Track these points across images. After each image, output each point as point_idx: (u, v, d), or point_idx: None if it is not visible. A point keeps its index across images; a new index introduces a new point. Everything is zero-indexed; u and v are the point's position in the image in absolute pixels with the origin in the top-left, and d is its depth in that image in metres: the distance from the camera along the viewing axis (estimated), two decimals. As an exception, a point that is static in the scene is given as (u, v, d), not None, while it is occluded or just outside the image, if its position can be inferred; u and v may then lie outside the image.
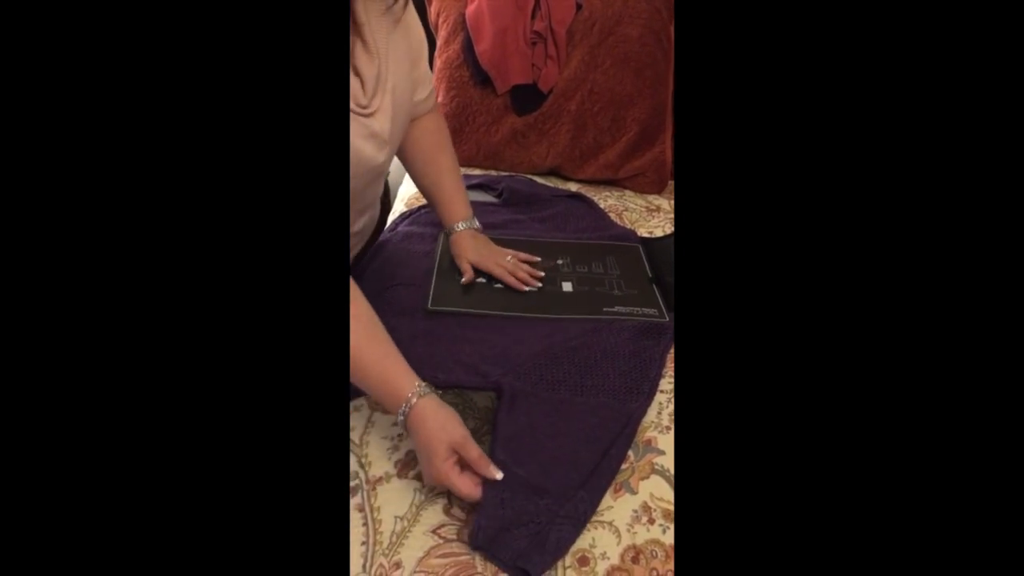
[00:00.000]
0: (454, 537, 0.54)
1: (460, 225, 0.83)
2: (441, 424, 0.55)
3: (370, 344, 0.58)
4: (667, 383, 0.69)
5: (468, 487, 0.54)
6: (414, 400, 0.56)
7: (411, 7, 0.71)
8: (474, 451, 0.55)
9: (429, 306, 0.77)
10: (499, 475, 0.54)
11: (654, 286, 0.85)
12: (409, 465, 0.60)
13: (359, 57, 0.64)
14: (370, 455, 0.61)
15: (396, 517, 0.55)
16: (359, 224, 0.79)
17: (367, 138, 0.66)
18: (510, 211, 1.01)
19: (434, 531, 0.54)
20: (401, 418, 0.57)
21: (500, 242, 0.86)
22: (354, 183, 0.67)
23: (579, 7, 1.10)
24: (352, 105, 0.63)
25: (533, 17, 1.10)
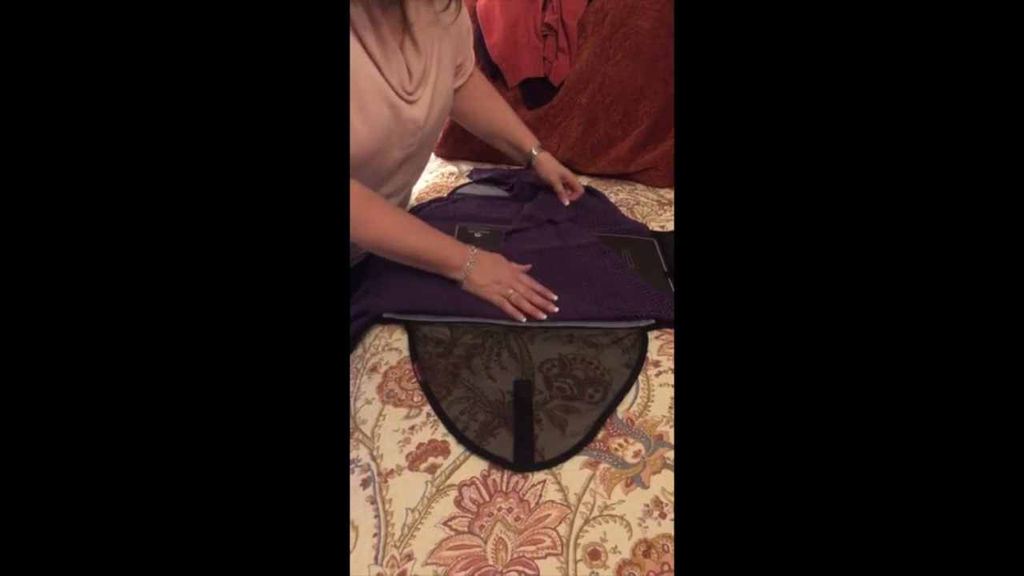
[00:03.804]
0: (465, 529, 0.54)
1: (535, 150, 0.96)
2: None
3: (410, 232, 0.75)
4: (679, 377, 0.69)
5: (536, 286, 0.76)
6: (475, 250, 0.77)
7: (463, 5, 0.81)
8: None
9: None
10: (554, 297, 0.76)
11: (669, 280, 0.85)
12: (420, 458, 0.60)
13: (408, 52, 0.75)
14: (382, 448, 0.61)
15: (407, 509, 0.55)
16: None
17: (402, 122, 0.75)
18: (521, 206, 1.00)
19: (445, 523, 0.54)
20: (470, 264, 0.75)
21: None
22: (384, 164, 0.77)
23: (590, -1, 1.09)
24: (400, 90, 0.74)
25: (544, 10, 1.10)
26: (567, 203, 0.96)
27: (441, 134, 1.20)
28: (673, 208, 1.06)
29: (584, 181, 1.13)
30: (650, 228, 0.98)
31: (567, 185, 0.97)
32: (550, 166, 0.96)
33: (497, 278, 0.76)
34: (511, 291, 0.75)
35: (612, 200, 1.05)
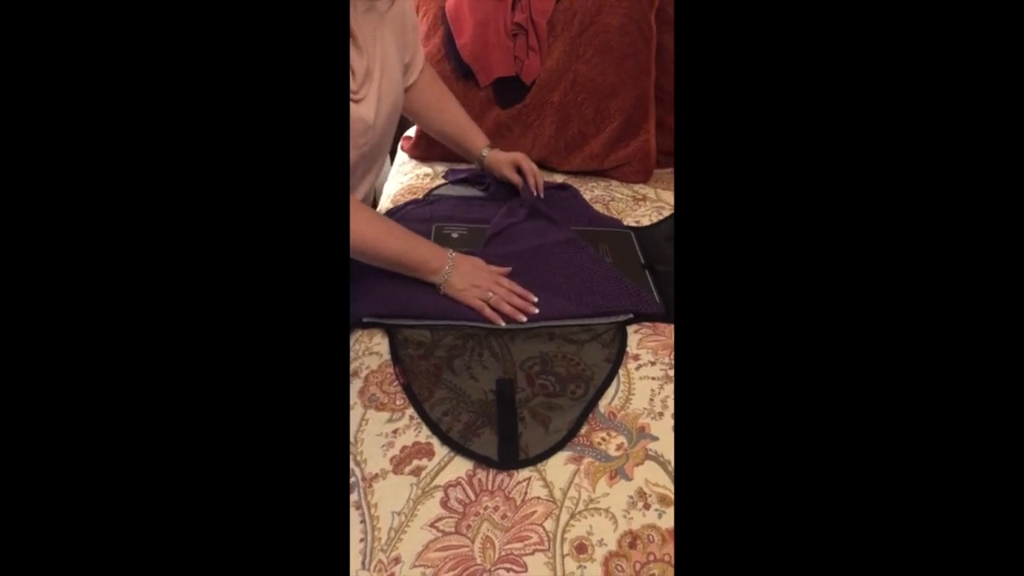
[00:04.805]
0: (452, 530, 0.54)
1: (485, 151, 0.98)
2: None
3: (389, 235, 0.75)
4: (657, 370, 0.70)
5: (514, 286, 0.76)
6: (454, 253, 0.77)
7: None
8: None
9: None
10: (534, 299, 0.76)
11: (647, 272, 0.86)
12: (404, 461, 0.60)
13: (350, 51, 0.73)
14: (365, 452, 0.61)
15: (393, 513, 0.55)
16: None
17: (352, 121, 0.74)
18: (497, 206, 1.01)
19: (431, 525, 0.54)
20: (448, 268, 0.75)
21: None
22: None
23: (559, -3, 1.10)
24: None
25: (513, 9, 1.10)
26: (521, 191, 0.95)
27: (414, 135, 1.20)
28: (647, 203, 1.07)
29: (559, 179, 1.14)
30: (625, 223, 0.99)
31: (522, 172, 0.97)
32: (500, 158, 0.97)
33: (476, 282, 0.76)
34: (490, 295, 0.75)
35: (587, 197, 1.06)
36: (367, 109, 0.76)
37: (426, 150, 1.18)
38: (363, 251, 0.74)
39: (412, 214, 0.97)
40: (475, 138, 0.99)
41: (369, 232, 0.73)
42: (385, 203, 1.08)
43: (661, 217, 1.02)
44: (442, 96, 0.98)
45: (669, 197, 1.09)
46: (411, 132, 1.22)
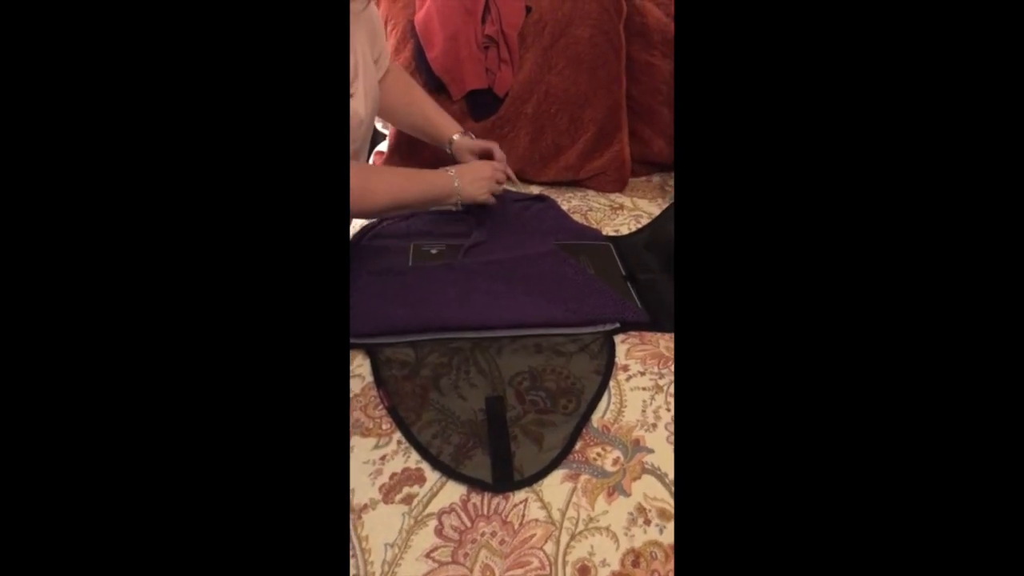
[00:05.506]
0: (448, 559, 0.51)
1: (456, 136, 0.99)
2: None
3: (407, 183, 0.83)
4: (647, 380, 0.69)
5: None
6: (452, 169, 0.86)
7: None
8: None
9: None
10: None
11: (628, 284, 0.85)
12: (395, 489, 0.57)
13: None
14: (352, 482, 0.58)
15: (386, 545, 0.53)
16: None
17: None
18: (474, 219, 0.99)
19: (427, 555, 0.52)
20: (457, 184, 0.85)
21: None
22: None
23: (528, 10, 1.10)
24: None
25: (483, 21, 1.09)
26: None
27: (387, 150, 1.18)
28: (624, 211, 1.07)
29: (536, 190, 1.13)
30: (603, 232, 0.99)
31: (485, 156, 0.98)
32: (464, 147, 0.99)
33: (481, 176, 0.86)
34: (500, 175, 0.88)
35: (565, 207, 1.06)
36: (358, 103, 0.79)
37: (400, 164, 1.16)
38: (392, 205, 0.81)
39: (388, 230, 0.95)
40: (446, 126, 1.00)
41: (389, 187, 0.80)
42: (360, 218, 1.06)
43: (640, 226, 1.02)
44: (410, 88, 1.01)
45: (646, 205, 1.10)
46: (383, 147, 1.20)
